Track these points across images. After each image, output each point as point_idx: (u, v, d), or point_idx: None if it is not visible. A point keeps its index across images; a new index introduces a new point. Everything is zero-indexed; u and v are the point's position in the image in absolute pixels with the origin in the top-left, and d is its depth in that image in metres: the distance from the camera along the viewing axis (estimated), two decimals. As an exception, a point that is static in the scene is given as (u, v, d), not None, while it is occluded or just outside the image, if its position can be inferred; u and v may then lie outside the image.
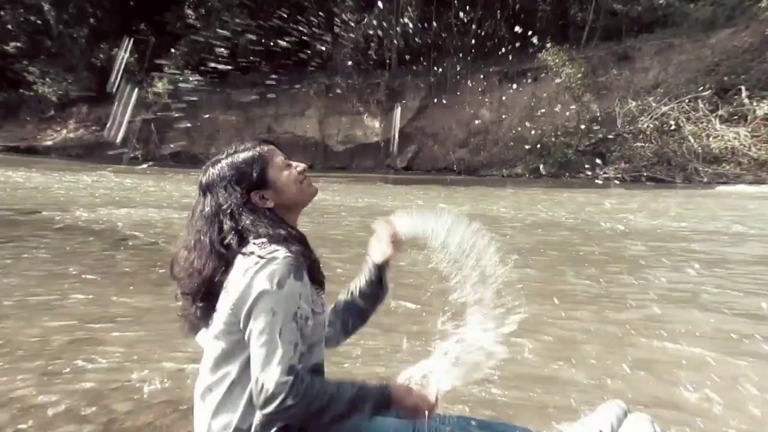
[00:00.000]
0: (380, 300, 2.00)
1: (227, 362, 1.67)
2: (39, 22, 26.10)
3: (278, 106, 28.17)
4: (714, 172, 17.13)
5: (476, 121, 24.87)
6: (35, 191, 12.40)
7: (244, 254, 1.68)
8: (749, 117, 17.51)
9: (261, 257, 1.63)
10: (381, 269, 1.99)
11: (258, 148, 1.82)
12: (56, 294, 4.25)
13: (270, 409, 1.56)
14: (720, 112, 18.02)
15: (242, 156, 1.79)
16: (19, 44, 26.80)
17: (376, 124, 26.64)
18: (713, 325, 4.05)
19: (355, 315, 1.99)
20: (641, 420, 2.09)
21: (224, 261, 1.70)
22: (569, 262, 6.16)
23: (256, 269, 1.62)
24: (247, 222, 1.73)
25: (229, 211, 1.74)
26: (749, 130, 17.34)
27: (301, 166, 1.87)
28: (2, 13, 24.40)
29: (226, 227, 1.73)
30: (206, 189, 1.78)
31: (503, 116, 24.20)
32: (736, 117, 17.73)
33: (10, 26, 26.23)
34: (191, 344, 2.11)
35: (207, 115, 27.90)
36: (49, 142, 28.19)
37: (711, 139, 17.80)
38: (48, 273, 4.94)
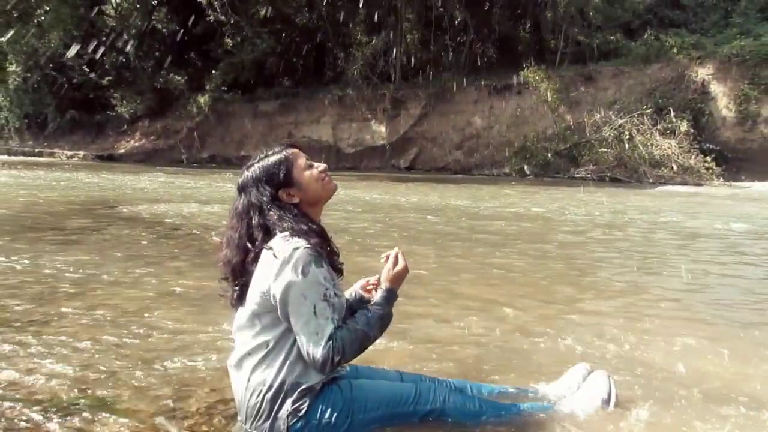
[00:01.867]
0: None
1: (265, 333, 1.84)
2: (123, 60, 30.16)
3: (297, 115, 29.20)
4: (657, 174, 19.11)
5: (469, 127, 25.80)
6: (111, 189, 13.28)
7: (267, 248, 1.82)
8: (677, 132, 19.75)
9: (284, 252, 1.76)
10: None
11: (284, 152, 1.95)
12: (124, 272, 4.61)
13: (327, 370, 1.79)
14: (658, 127, 20.02)
15: (271, 159, 1.92)
16: (110, 78, 31.04)
17: (383, 129, 27.54)
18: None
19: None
20: (600, 375, 2.32)
21: (252, 252, 1.86)
22: (555, 248, 6.44)
23: (281, 263, 1.76)
24: (275, 217, 1.86)
25: (258, 207, 1.87)
26: (677, 142, 19.52)
27: (322, 166, 1.97)
28: (105, 57, 28.10)
29: (254, 222, 1.87)
30: (242, 189, 1.93)
31: (492, 123, 25.24)
32: (668, 131, 19.89)
33: (107, 66, 30.54)
34: (227, 317, 2.31)
35: (238, 124, 29.80)
36: (122, 151, 31.04)
37: (654, 147, 19.73)
38: (118, 255, 5.36)
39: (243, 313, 1.90)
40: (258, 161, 1.95)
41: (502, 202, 12.16)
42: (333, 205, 8.94)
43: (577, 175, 20.89)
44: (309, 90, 29.49)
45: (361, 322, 1.83)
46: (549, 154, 22.20)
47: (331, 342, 1.75)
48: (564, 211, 10.45)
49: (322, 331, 1.75)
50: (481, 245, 6.62)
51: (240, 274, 1.90)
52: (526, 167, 22.39)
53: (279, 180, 1.90)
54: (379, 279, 2.10)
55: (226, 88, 29.27)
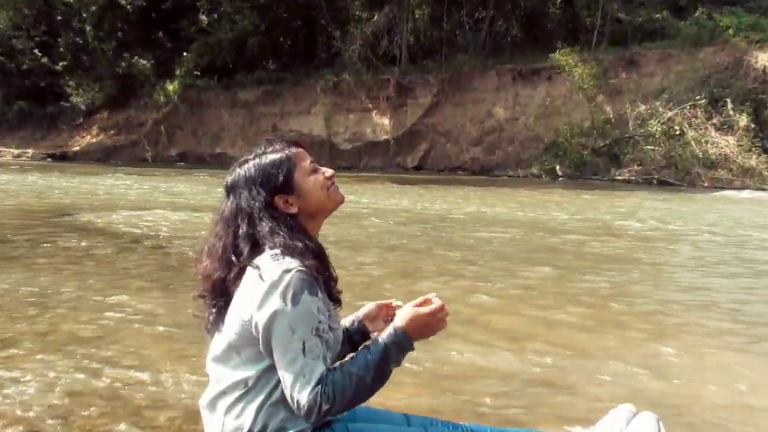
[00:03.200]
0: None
1: (245, 369, 1.81)
2: (81, 41, 30.57)
3: (284, 104, 29.30)
4: (712, 177, 19.23)
5: (490, 120, 25.83)
6: (64, 194, 13.53)
7: (253, 266, 1.79)
8: (735, 127, 19.85)
9: (272, 274, 1.73)
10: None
11: (286, 151, 1.91)
12: (80, 292, 4.68)
13: (312, 419, 1.73)
14: (713, 121, 20.15)
15: (270, 158, 1.89)
16: (65, 62, 31.35)
17: (386, 121, 27.53)
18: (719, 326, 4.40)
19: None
20: (647, 418, 2.27)
21: (236, 268, 1.83)
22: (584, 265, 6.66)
23: (269, 287, 1.72)
24: (266, 228, 1.82)
25: (248, 213, 1.85)
26: (736, 139, 19.61)
27: (329, 171, 1.96)
28: (59, 39, 28.38)
29: (241, 232, 1.83)
30: (231, 189, 1.91)
31: (518, 115, 25.32)
32: (725, 126, 20.02)
33: (61, 49, 30.96)
34: (198, 345, 2.37)
35: (213, 115, 29.96)
36: (77, 148, 31.28)
37: (708, 145, 19.85)
38: (73, 272, 5.48)
39: (219, 341, 1.86)
40: (254, 158, 1.91)
41: (575, 213, 12.09)
42: (372, 215, 9.56)
43: (619, 177, 20.92)
44: (298, 75, 29.64)
45: (358, 365, 1.76)
46: (585, 152, 22.46)
47: (320, 387, 1.68)
48: (664, 223, 10.62)
49: (310, 372, 1.69)
50: (564, 269, 6.55)
51: (220, 292, 1.86)
52: (557, 167, 22.51)
53: (276, 183, 1.86)
54: (386, 307, 2.09)
55: (199, 73, 29.49)
